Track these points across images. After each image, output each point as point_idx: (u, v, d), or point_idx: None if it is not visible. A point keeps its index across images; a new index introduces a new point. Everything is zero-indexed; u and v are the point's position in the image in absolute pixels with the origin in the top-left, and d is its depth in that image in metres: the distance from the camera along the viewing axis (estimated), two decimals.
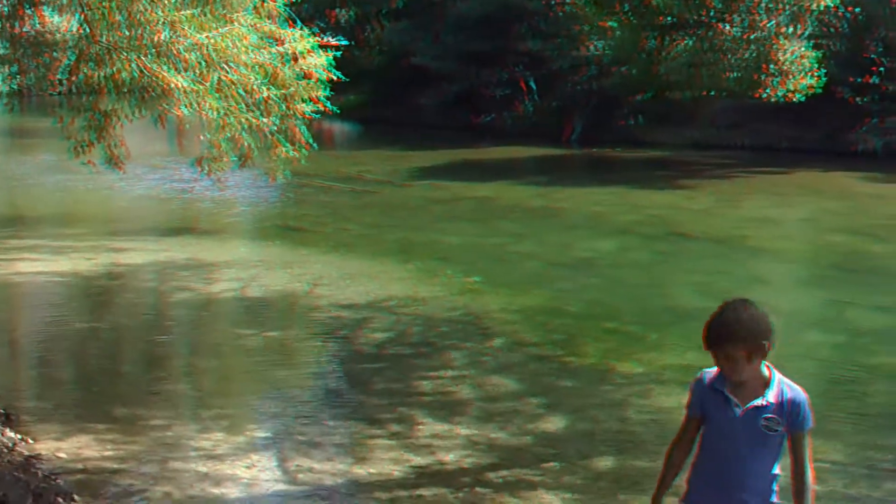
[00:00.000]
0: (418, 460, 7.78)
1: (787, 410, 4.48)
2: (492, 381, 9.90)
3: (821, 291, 14.11)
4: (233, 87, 10.67)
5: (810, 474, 4.51)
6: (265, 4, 11.04)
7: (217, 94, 10.49)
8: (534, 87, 38.12)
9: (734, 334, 4.43)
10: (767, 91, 28.83)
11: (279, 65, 11.30)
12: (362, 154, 32.81)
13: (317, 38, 12.45)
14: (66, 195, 22.90)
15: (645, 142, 33.08)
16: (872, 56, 30.56)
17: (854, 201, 22.59)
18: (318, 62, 12.21)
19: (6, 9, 10.82)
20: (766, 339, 4.46)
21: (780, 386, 4.52)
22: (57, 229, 18.81)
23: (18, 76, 11.68)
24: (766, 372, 4.54)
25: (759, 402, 4.50)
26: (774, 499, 4.58)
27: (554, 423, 8.79)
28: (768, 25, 28.64)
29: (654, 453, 8.07)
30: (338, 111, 12.06)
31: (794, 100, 28.55)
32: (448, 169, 28.00)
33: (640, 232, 18.52)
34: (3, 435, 8.04)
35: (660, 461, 7.93)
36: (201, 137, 11.37)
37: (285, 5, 11.42)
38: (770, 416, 4.48)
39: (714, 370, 4.61)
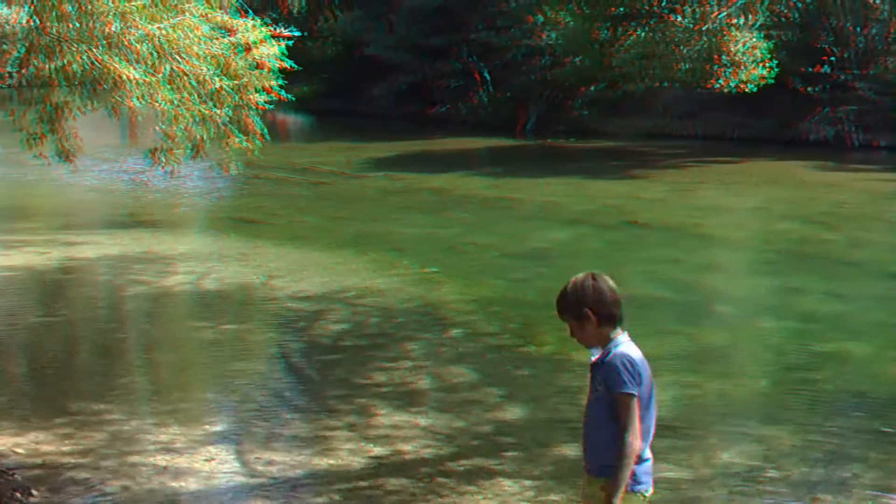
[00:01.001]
0: (377, 451, 7.78)
1: (603, 371, 4.67)
2: (450, 371, 9.92)
3: (773, 278, 14.24)
4: (185, 78, 10.61)
5: (627, 439, 4.51)
6: None
7: (169, 86, 10.42)
8: (487, 77, 38.19)
9: (559, 305, 4.88)
10: (720, 82, 29.01)
11: (231, 55, 11.27)
12: (316, 145, 32.73)
13: (269, 29, 12.42)
14: (17, 188, 22.68)
15: (599, 132, 33.23)
16: (823, 46, 30.87)
17: (806, 190, 22.82)
18: (271, 52, 12.19)
19: None
20: (587, 306, 4.70)
21: (610, 349, 4.68)
22: (8, 223, 18.62)
23: None
24: (613, 337, 4.72)
25: (592, 362, 4.79)
26: (607, 461, 4.58)
27: (513, 412, 8.82)
28: (719, 17, 28.79)
29: None
30: (292, 98, 12.03)
31: (747, 90, 28.75)
32: (402, 160, 27.99)
33: (594, 221, 18.62)
34: None
35: None
36: (155, 129, 11.31)
37: None
38: (594, 375, 4.75)
39: None
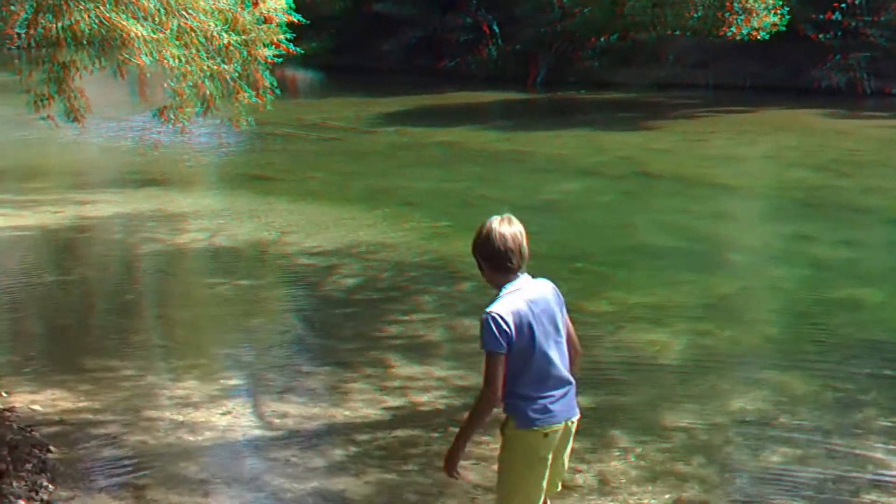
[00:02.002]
0: (392, 402, 7.83)
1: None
2: (463, 324, 9.94)
3: (785, 226, 14.22)
4: (193, 34, 10.58)
5: (481, 392, 4.72)
6: None
7: (177, 42, 10.40)
8: (497, 30, 37.98)
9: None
10: (731, 30, 28.83)
11: (238, 10, 11.22)
12: (326, 101, 32.66)
13: None
14: (27, 149, 22.69)
15: (609, 83, 33.07)
16: None
17: (817, 137, 22.73)
18: (278, 6, 12.13)
19: None
20: (477, 253, 4.91)
21: (491, 303, 4.79)
22: (20, 184, 18.67)
23: None
24: (503, 285, 4.84)
25: None
26: (503, 411, 4.85)
27: None
28: None
29: (627, 389, 8.20)
30: (301, 52, 11.99)
31: (758, 38, 28.55)
32: (413, 115, 27.91)
33: (606, 173, 18.57)
34: None
35: (632, 396, 8.07)
36: (164, 86, 11.30)
37: None
38: None
39: None
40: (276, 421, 7.52)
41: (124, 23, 9.74)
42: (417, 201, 15.97)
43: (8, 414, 7.62)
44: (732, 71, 31.96)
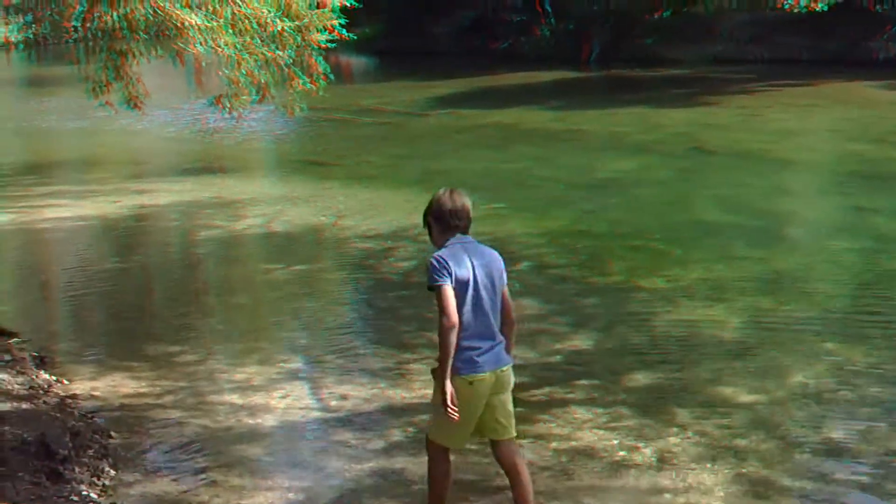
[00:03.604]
0: None
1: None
2: (519, 304, 9.78)
3: (844, 199, 14.06)
4: (246, 21, 10.64)
5: (440, 322, 5.19)
6: None
7: (231, 30, 10.46)
8: (549, 9, 37.78)
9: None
10: (790, 2, 28.46)
11: None
12: (379, 85, 32.71)
13: None
14: (86, 140, 22.94)
15: (664, 59, 32.81)
16: None
17: (876, 109, 22.42)
18: None
19: None
20: (429, 215, 5.49)
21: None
22: (80, 174, 18.90)
23: (33, 25, 11.67)
24: (446, 244, 5.40)
25: None
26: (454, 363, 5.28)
27: (582, 341, 8.84)
28: None
29: (686, 366, 8.16)
30: (354, 38, 11.99)
31: (817, 9, 28.16)
32: (466, 97, 27.87)
33: (662, 150, 18.45)
34: (38, 377, 8.16)
35: (691, 372, 8.04)
36: (219, 74, 11.37)
37: None
38: None
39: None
40: (335, 403, 7.56)
41: (178, 11, 9.82)
42: (472, 183, 15.89)
43: (70, 401, 7.73)
44: (788, 44, 31.59)
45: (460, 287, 5.24)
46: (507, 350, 5.49)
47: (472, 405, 5.32)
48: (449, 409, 5.18)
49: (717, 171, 16.46)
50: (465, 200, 5.45)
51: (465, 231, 5.43)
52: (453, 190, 5.51)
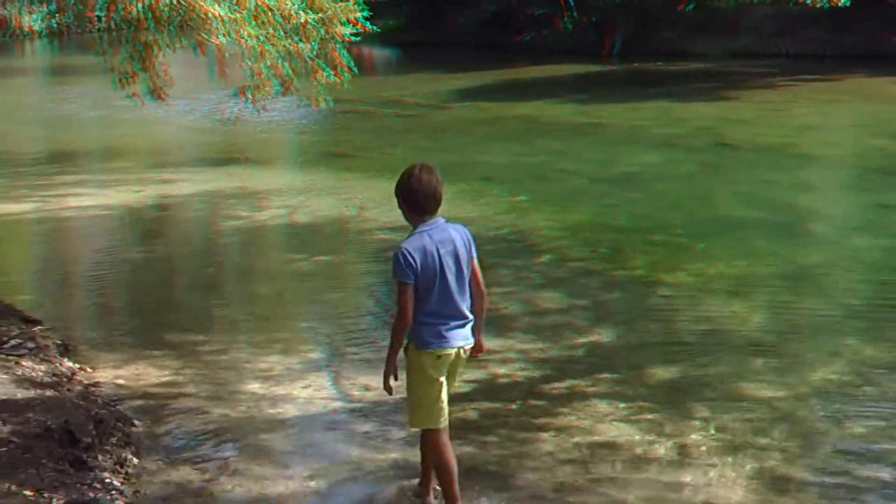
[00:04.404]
0: (472, 375, 7.85)
1: None
2: (540, 297, 9.96)
3: (868, 196, 14.00)
4: (270, 13, 10.68)
5: (396, 317, 5.52)
6: None
7: (254, 22, 10.50)
8: (572, 3, 37.68)
9: None
10: None
11: None
12: (402, 78, 32.71)
13: None
14: (109, 129, 23.03)
15: (686, 53, 32.71)
16: None
17: None
18: None
19: None
20: (399, 195, 5.63)
21: (405, 239, 5.58)
22: (103, 163, 18.98)
23: (57, 15, 11.75)
24: (417, 225, 5.58)
25: None
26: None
27: (604, 335, 8.84)
28: None
29: (707, 361, 8.15)
30: (377, 30, 12.00)
31: (840, 4, 28.03)
32: (488, 89, 27.86)
33: (685, 144, 18.41)
34: (61, 364, 8.21)
35: (712, 367, 8.03)
36: (241, 66, 11.40)
37: None
38: None
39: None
40: (357, 394, 7.59)
41: (202, 3, 9.86)
42: (494, 176, 15.96)
43: (93, 389, 7.78)
44: (811, 39, 31.47)
45: (426, 279, 5.47)
46: (478, 320, 5.73)
47: (438, 380, 5.60)
48: (388, 389, 5.67)
49: (739, 165, 16.42)
50: (435, 181, 5.58)
51: (433, 212, 5.58)
52: (424, 168, 5.63)
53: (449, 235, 5.57)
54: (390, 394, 5.72)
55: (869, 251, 11.30)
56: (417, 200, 5.55)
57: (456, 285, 5.53)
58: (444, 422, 5.69)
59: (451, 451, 5.73)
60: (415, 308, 5.48)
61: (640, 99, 24.76)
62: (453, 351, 5.58)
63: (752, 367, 7.98)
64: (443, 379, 5.61)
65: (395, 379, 5.65)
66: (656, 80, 29.51)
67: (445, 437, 5.71)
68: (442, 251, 5.49)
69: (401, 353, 5.68)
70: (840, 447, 6.60)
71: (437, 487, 5.92)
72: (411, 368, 5.67)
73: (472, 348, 5.75)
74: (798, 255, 11.12)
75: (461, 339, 5.61)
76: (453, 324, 5.56)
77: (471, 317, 5.65)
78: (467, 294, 5.62)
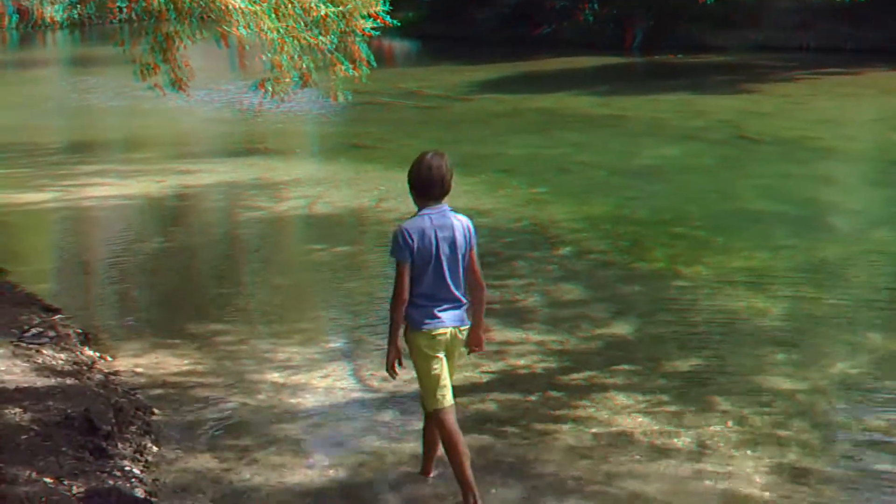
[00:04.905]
0: (491, 366, 7.87)
1: None
2: (559, 289, 9.96)
3: (889, 190, 13.96)
4: (290, 5, 10.68)
5: (392, 293, 5.67)
6: None
7: (274, 14, 10.50)
8: None
9: None
10: None
11: None
12: (421, 70, 32.70)
13: None
14: (130, 120, 23.11)
15: (708, 46, 32.64)
16: None
17: None
18: None
19: None
20: (408, 180, 5.76)
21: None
22: (124, 154, 19.05)
23: (78, 6, 11.79)
24: (421, 209, 5.72)
25: None
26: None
27: (623, 328, 8.82)
28: None
29: (727, 354, 8.14)
30: (397, 24, 11.98)
31: None
32: (508, 82, 27.83)
33: (705, 137, 18.36)
34: (81, 353, 8.25)
35: (732, 360, 8.01)
36: (261, 58, 11.41)
37: None
38: None
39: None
40: (375, 384, 7.60)
41: None
42: (514, 168, 15.95)
43: (113, 377, 7.81)
44: (833, 33, 31.33)
45: (422, 259, 5.61)
46: (477, 314, 5.85)
47: (437, 358, 5.73)
48: (391, 372, 5.73)
49: (759, 158, 16.36)
50: (444, 168, 5.68)
51: (439, 198, 5.69)
52: (435, 155, 5.74)
53: (449, 222, 5.70)
54: (393, 378, 5.81)
55: (889, 244, 11.25)
56: (424, 185, 5.68)
57: (449, 270, 5.67)
58: (450, 400, 5.80)
59: (459, 432, 5.81)
60: (410, 289, 5.63)
61: (661, 91, 24.71)
62: (447, 331, 5.71)
63: (772, 360, 7.96)
64: (441, 356, 5.73)
65: (401, 365, 5.73)
66: (677, 73, 29.43)
67: (452, 417, 5.81)
68: (439, 235, 5.63)
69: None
70: (860, 440, 6.58)
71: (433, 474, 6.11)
72: (411, 352, 5.77)
73: (472, 343, 5.90)
74: (818, 249, 11.08)
75: (455, 320, 5.74)
76: (446, 306, 5.70)
77: (464, 301, 5.76)
78: (461, 281, 5.75)
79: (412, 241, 5.59)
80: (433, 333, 5.69)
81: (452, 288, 5.70)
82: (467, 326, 5.82)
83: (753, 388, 7.42)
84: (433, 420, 5.88)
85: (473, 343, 5.91)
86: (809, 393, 7.30)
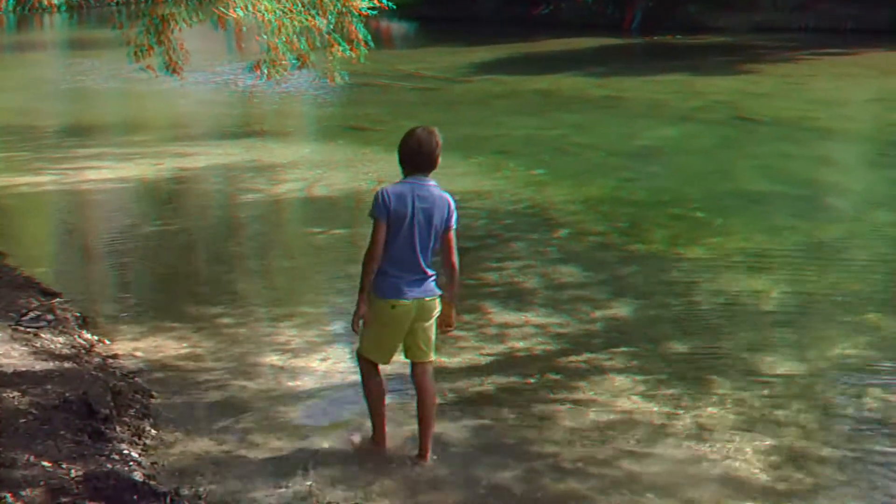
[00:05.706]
0: (490, 348, 7.87)
1: None
2: (558, 271, 9.94)
3: (888, 171, 13.95)
4: None
5: (366, 252, 5.89)
6: None
7: None
8: None
9: None
10: None
11: None
12: (419, 51, 32.63)
13: None
14: (127, 102, 23.08)
15: (706, 27, 32.58)
16: None
17: None
18: None
19: None
20: (398, 152, 5.93)
21: None
22: (121, 136, 18.98)
23: None
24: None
25: None
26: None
27: (621, 309, 8.82)
28: None
29: (725, 336, 8.13)
30: (394, 7, 11.94)
31: None
32: (506, 63, 27.77)
33: (704, 118, 18.34)
34: (80, 337, 8.23)
35: (730, 342, 8.00)
36: (257, 40, 11.36)
37: None
38: None
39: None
40: None
41: None
42: (512, 149, 15.92)
43: (111, 361, 7.80)
44: (832, 14, 31.28)
45: (396, 222, 5.78)
46: (449, 294, 6.04)
47: (393, 326, 5.94)
48: (355, 329, 5.95)
49: (758, 139, 16.34)
50: (434, 143, 5.87)
51: (426, 171, 5.87)
52: (425, 130, 5.93)
53: (431, 195, 5.86)
54: (357, 333, 6.03)
55: (889, 226, 11.25)
56: (412, 157, 5.86)
57: (420, 240, 5.82)
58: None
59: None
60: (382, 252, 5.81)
61: (660, 72, 24.66)
62: (409, 304, 5.87)
63: (771, 342, 7.96)
64: (397, 328, 5.92)
65: (366, 325, 5.94)
66: (676, 54, 29.38)
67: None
68: (418, 205, 5.80)
69: None
70: (858, 422, 6.58)
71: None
72: (371, 311, 5.91)
73: (442, 324, 6.09)
74: (817, 230, 11.07)
75: (421, 292, 5.89)
76: (410, 277, 5.85)
77: (431, 273, 5.91)
78: (429, 255, 5.90)
79: (389, 201, 5.77)
80: (393, 304, 5.85)
81: (420, 259, 5.85)
82: (434, 296, 5.96)
83: (752, 369, 7.42)
84: (358, 361, 6.22)
85: (444, 324, 6.10)
86: (808, 375, 7.31)
